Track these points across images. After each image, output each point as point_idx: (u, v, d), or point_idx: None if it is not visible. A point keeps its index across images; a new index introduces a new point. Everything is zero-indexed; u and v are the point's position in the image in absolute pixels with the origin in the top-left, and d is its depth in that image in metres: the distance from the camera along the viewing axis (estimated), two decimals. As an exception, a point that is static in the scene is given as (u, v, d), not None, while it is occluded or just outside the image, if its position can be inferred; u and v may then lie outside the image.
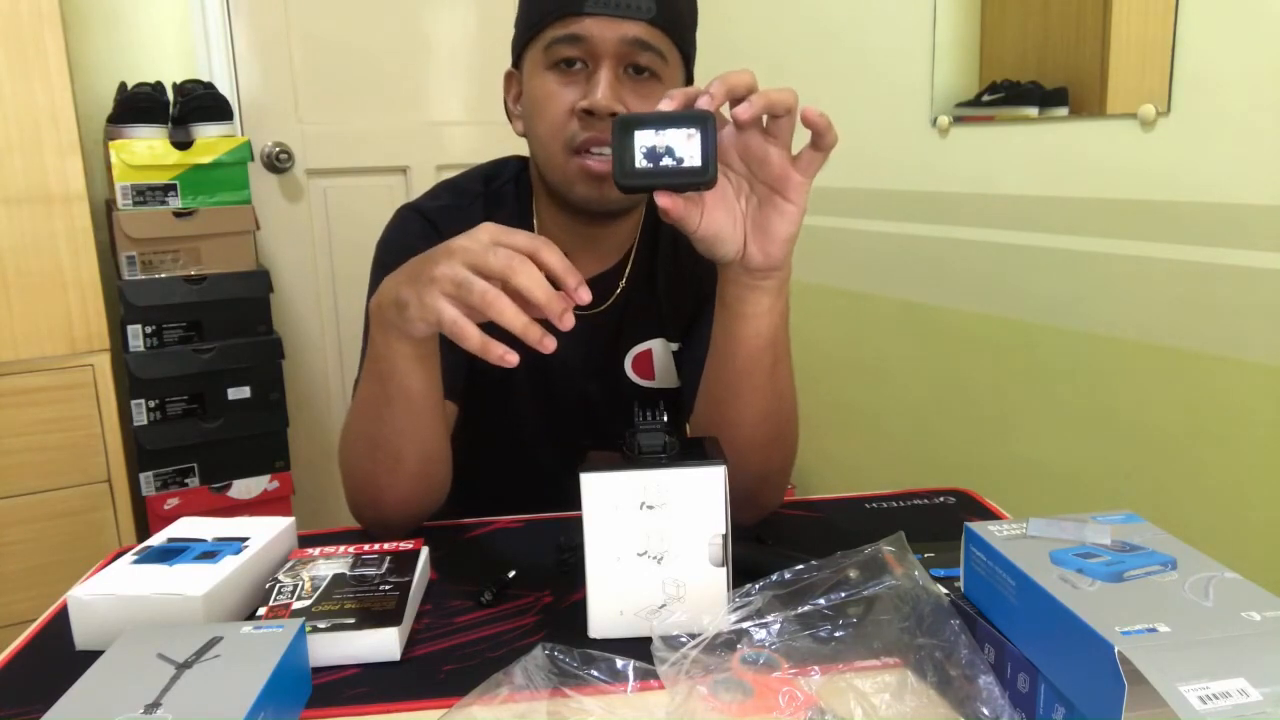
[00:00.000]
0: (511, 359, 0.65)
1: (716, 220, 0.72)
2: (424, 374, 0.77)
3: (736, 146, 0.71)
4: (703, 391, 0.85)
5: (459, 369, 0.96)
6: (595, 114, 0.86)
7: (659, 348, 1.03)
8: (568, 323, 0.66)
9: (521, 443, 1.06)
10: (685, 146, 0.65)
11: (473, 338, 0.66)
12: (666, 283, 1.02)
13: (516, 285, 0.65)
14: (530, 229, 1.00)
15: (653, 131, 0.65)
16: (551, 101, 0.88)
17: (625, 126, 0.65)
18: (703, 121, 0.65)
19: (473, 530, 0.91)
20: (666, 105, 0.66)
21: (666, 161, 0.65)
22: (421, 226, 0.98)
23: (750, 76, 0.67)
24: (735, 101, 0.66)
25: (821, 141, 0.68)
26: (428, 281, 0.67)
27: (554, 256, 0.67)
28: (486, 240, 0.67)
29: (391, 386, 0.77)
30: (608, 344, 1.03)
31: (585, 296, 0.67)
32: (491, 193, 1.01)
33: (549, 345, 0.65)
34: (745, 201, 0.73)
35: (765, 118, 0.68)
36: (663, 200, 0.67)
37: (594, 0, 0.84)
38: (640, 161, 0.65)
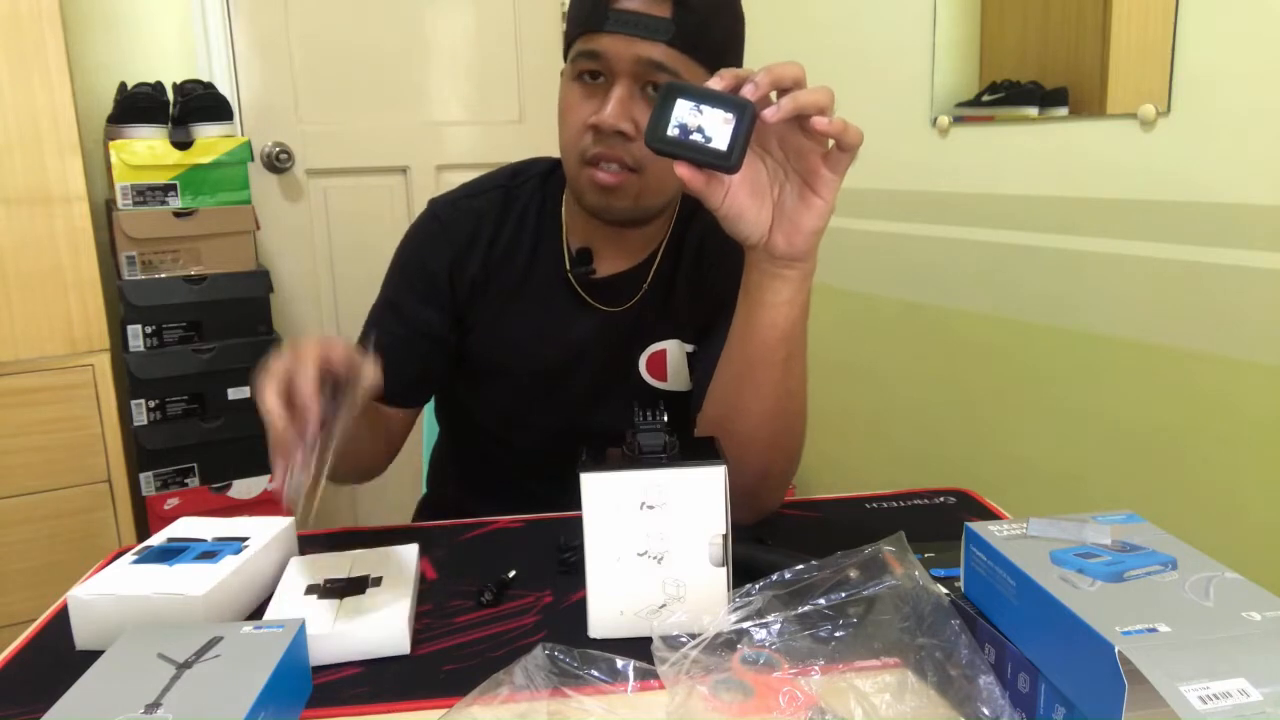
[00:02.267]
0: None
1: (740, 202, 0.73)
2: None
3: (776, 135, 0.72)
4: (714, 382, 0.86)
5: (412, 377, 1.01)
6: (603, 130, 0.87)
7: (674, 349, 1.04)
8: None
9: (528, 435, 1.06)
10: (718, 129, 0.66)
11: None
12: (688, 286, 1.03)
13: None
14: (558, 224, 1.03)
15: (692, 105, 0.66)
16: (570, 113, 0.91)
17: (670, 92, 0.67)
18: (741, 109, 0.66)
19: (473, 530, 0.91)
20: (715, 83, 0.67)
21: (696, 138, 0.66)
22: (428, 223, 1.03)
23: (798, 70, 0.68)
24: (781, 93, 0.67)
25: (844, 142, 0.70)
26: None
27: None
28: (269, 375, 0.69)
29: None
30: (624, 341, 1.03)
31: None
32: (513, 188, 1.04)
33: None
34: (779, 189, 0.74)
35: None
36: (681, 170, 0.68)
37: (614, 19, 0.85)
38: (672, 130, 0.66)
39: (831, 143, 0.71)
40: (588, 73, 0.89)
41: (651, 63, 0.85)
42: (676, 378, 1.04)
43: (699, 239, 1.03)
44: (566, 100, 0.92)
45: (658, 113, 0.67)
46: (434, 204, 1.04)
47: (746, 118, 0.66)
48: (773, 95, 0.68)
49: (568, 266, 1.01)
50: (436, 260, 1.00)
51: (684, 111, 0.66)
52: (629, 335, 1.03)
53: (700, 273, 1.03)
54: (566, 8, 0.95)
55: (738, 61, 0.93)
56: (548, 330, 1.02)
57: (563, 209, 1.02)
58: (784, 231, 0.74)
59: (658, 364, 1.04)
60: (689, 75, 0.86)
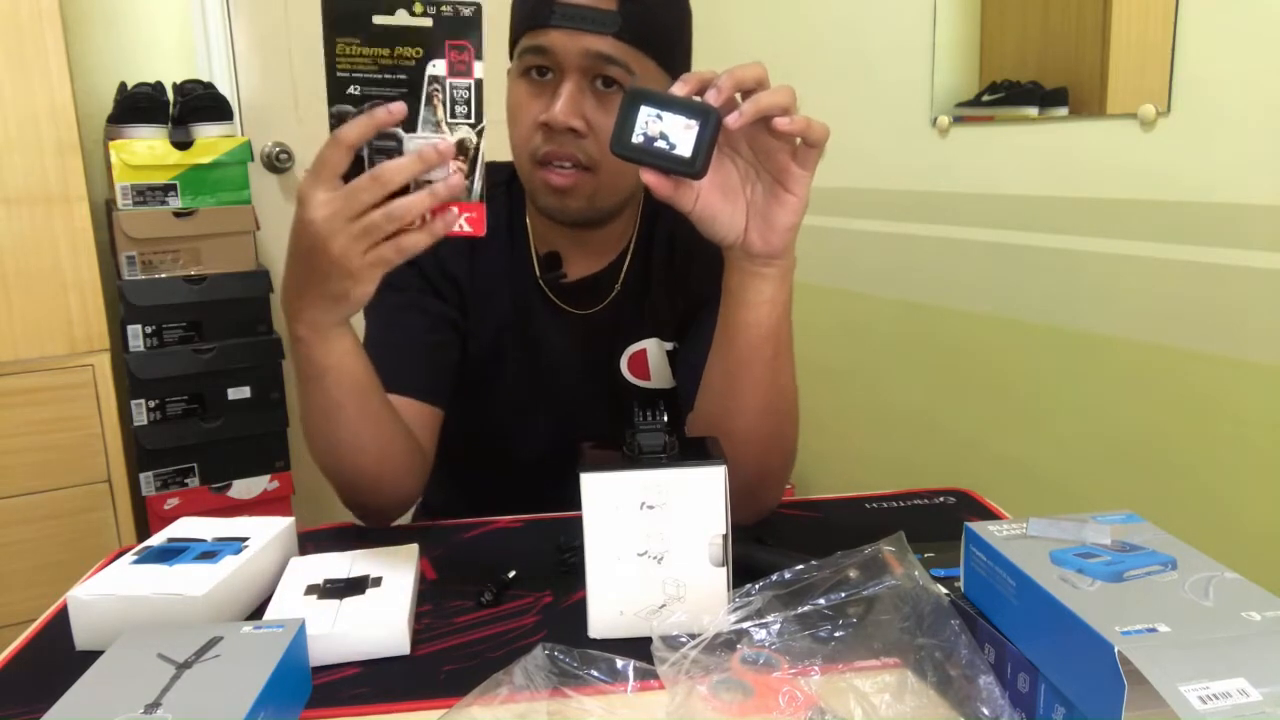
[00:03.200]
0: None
1: (713, 204, 0.73)
2: (363, 358, 0.80)
3: (745, 136, 0.72)
4: (704, 383, 0.85)
5: (443, 373, 0.98)
6: (554, 128, 0.87)
7: (653, 347, 1.04)
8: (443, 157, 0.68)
9: (516, 443, 1.06)
10: (681, 135, 0.66)
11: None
12: (661, 283, 1.02)
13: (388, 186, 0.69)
14: (523, 233, 1.01)
15: (655, 111, 0.66)
16: (519, 112, 0.90)
17: (633, 98, 0.67)
18: (704, 115, 0.66)
19: (473, 530, 0.91)
20: (679, 89, 0.67)
21: (660, 144, 0.66)
22: None
23: (760, 71, 0.67)
24: (745, 95, 0.67)
25: (809, 139, 0.69)
26: (342, 263, 0.73)
27: (351, 133, 0.69)
28: (326, 198, 0.72)
29: (341, 391, 0.79)
30: (603, 344, 1.03)
31: (399, 110, 0.68)
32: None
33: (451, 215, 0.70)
34: (751, 189, 0.74)
35: None
36: (647, 177, 0.68)
37: (559, 14, 0.84)
38: (636, 137, 0.66)
39: (799, 139, 0.71)
40: (535, 69, 0.88)
41: (600, 56, 0.85)
42: (659, 376, 1.04)
43: (668, 234, 1.02)
44: (514, 99, 0.91)
45: (621, 119, 0.66)
46: None
47: (710, 123, 0.66)
48: (738, 97, 0.68)
49: (538, 273, 1.01)
50: (428, 264, 0.99)
51: (648, 118, 0.66)
52: (608, 337, 1.03)
53: (673, 268, 1.02)
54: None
55: (687, 52, 0.93)
56: (527, 339, 1.01)
57: (527, 217, 1.02)
58: (759, 230, 0.73)
59: (639, 364, 1.04)
60: (638, 68, 0.86)
